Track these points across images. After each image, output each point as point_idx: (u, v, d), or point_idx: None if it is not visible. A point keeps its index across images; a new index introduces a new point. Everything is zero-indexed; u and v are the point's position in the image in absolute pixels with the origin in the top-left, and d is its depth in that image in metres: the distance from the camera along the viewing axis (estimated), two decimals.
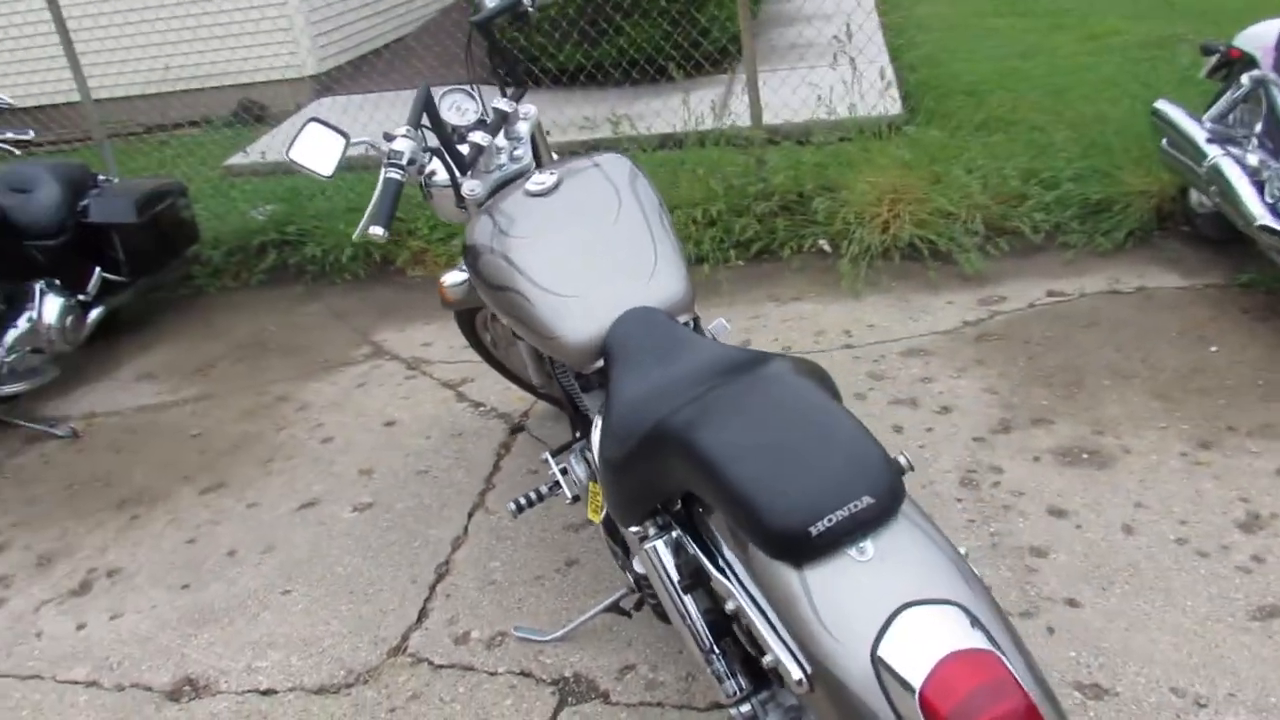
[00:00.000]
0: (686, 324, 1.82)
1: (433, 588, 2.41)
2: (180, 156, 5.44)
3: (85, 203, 3.76)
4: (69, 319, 3.55)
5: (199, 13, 6.01)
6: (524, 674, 2.11)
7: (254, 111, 6.34)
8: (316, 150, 1.89)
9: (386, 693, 2.11)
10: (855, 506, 1.14)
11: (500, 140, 2.19)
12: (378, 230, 1.82)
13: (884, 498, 1.16)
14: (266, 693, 2.15)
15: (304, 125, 1.91)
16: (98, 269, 3.74)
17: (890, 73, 5.32)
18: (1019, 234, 3.79)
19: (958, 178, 4.02)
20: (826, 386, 1.41)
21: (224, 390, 3.57)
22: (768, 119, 4.38)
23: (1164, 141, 3.44)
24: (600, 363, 1.75)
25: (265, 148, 5.41)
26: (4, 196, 3.51)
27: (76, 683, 2.25)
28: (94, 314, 3.76)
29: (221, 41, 6.01)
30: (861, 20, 5.09)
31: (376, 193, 1.85)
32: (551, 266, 1.85)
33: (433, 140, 2.08)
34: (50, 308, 3.49)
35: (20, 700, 2.22)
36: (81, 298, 3.68)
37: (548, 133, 4.86)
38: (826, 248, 3.99)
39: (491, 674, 2.12)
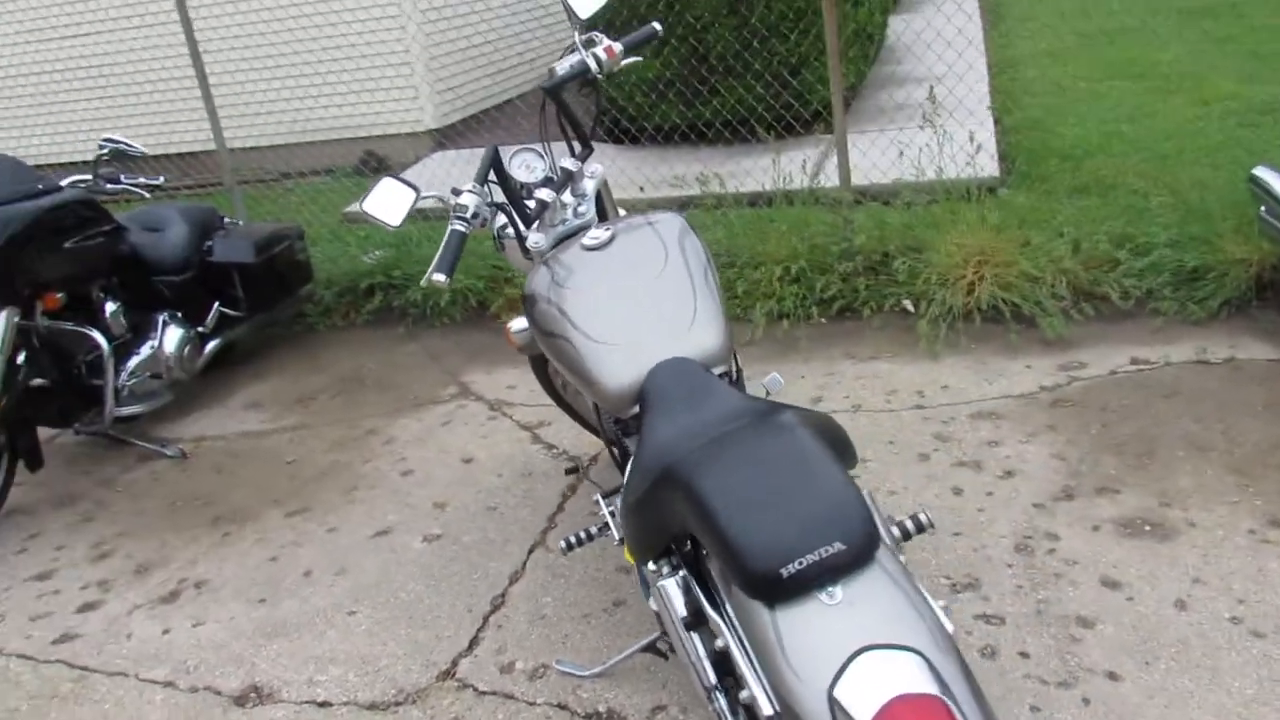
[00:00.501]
0: (723, 375, 1.90)
1: (486, 618, 2.52)
2: (304, 204, 5.83)
3: (210, 243, 4.08)
4: (187, 349, 3.85)
5: (327, 71, 6.45)
6: (560, 706, 2.19)
7: (372, 163, 6.74)
8: (388, 203, 2.06)
9: (431, 714, 2.22)
10: (826, 551, 1.20)
11: (566, 197, 2.32)
12: (440, 277, 1.97)
13: (856, 545, 1.21)
14: (323, 704, 2.29)
15: (378, 180, 2.09)
16: (216, 304, 4.04)
17: (990, 135, 5.32)
18: (1107, 299, 3.73)
19: (1047, 241, 3.99)
20: (829, 439, 1.46)
21: (321, 421, 3.80)
22: (862, 180, 4.44)
23: (1261, 209, 3.36)
24: (636, 409, 1.85)
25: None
26: (137, 235, 3.85)
27: (155, 682, 2.44)
28: (211, 345, 4.06)
29: (344, 98, 6.44)
30: (970, 84, 5.13)
31: (443, 243, 2.01)
32: (598, 316, 1.96)
33: (501, 196, 2.23)
34: (171, 338, 3.79)
35: (105, 694, 2.42)
36: (200, 330, 3.99)
37: (640, 189, 5.06)
38: (909, 307, 4.00)
39: (530, 704, 2.21)
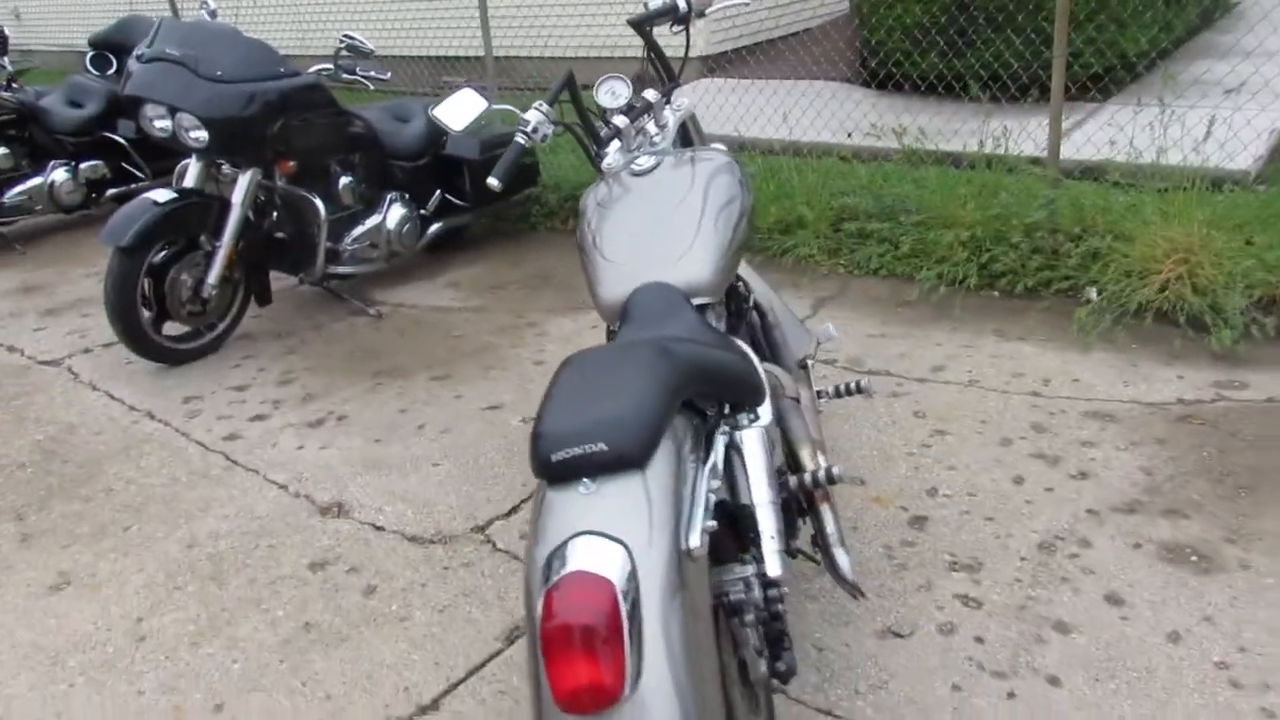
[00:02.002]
0: (702, 306, 2.04)
1: (534, 493, 2.85)
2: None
3: (445, 138, 4.62)
4: (406, 227, 4.44)
5: None
6: None
7: (645, 81, 7.08)
8: (459, 110, 2.35)
9: (450, 554, 2.60)
10: (590, 448, 1.37)
11: (651, 126, 2.51)
12: (493, 181, 2.25)
13: (616, 449, 1.36)
14: (378, 528, 2.74)
15: (459, 89, 2.39)
16: (439, 191, 4.60)
17: (1272, 124, 4.71)
18: None
19: (1269, 249, 3.57)
20: (709, 370, 1.61)
21: (498, 308, 4.27)
22: (1121, 155, 4.14)
23: None
24: (619, 324, 2.05)
25: None
26: (384, 123, 4.46)
27: (274, 483, 3.01)
28: (433, 228, 4.63)
29: (616, 20, 6.79)
30: None
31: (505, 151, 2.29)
32: (612, 235, 2.16)
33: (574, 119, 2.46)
34: (394, 215, 4.39)
35: (237, 483, 3.02)
36: (423, 213, 4.57)
37: (849, 135, 4.99)
38: (1093, 295, 3.75)
39: None
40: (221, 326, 3.96)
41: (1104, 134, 4.41)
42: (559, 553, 1.31)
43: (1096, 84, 5.51)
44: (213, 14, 4.06)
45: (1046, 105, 5.01)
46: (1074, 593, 2.28)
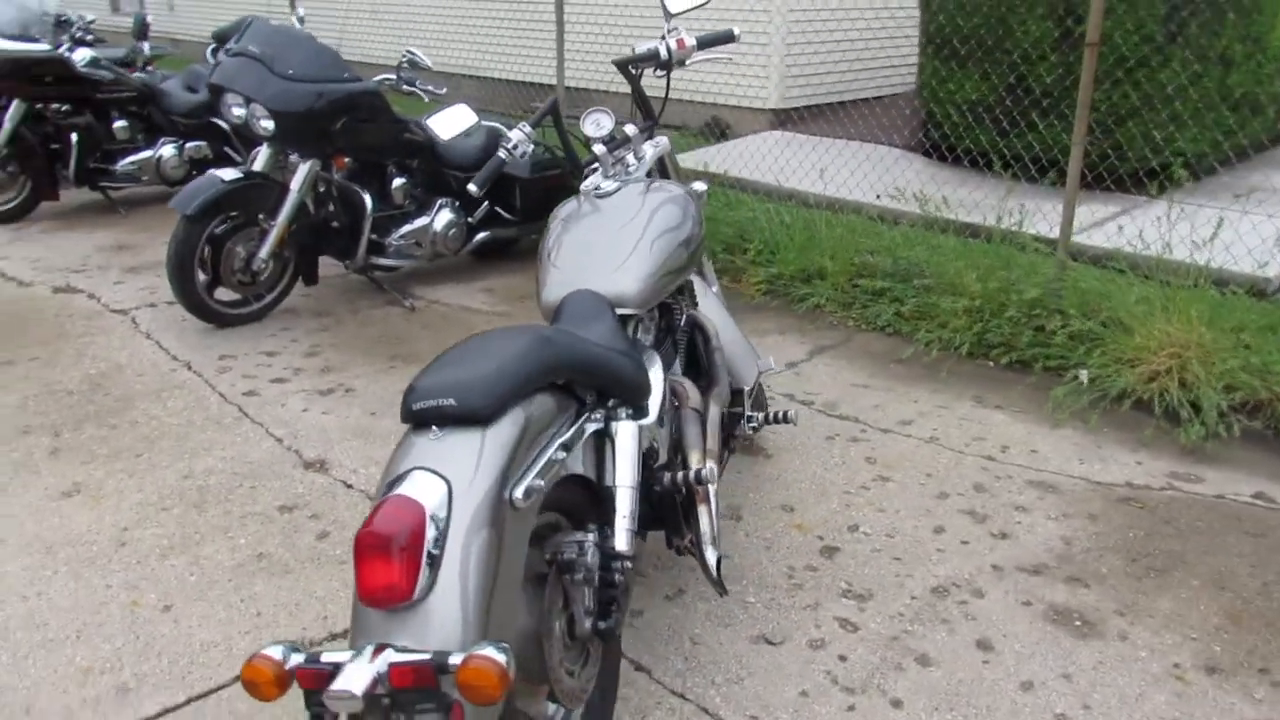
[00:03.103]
0: (626, 317, 2.28)
1: None
2: None
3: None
4: (451, 232, 4.78)
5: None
6: None
7: (720, 127, 7.38)
8: (451, 121, 2.66)
9: None
10: (443, 402, 1.62)
11: (630, 158, 2.77)
12: (472, 187, 2.55)
13: (464, 405, 1.61)
14: (348, 485, 3.04)
15: (454, 104, 2.70)
16: (487, 202, 4.94)
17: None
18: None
19: (1266, 356, 3.62)
20: (589, 362, 1.86)
21: (520, 314, 4.57)
22: (1129, 246, 4.23)
23: None
24: (552, 322, 2.30)
25: (709, 159, 6.36)
26: None
27: (272, 435, 3.34)
28: (478, 237, 4.97)
29: (701, 65, 7.12)
30: None
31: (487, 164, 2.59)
32: (563, 245, 2.42)
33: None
34: (441, 219, 4.74)
35: (243, 432, 3.37)
36: (470, 221, 4.91)
37: (877, 196, 5.15)
38: (1083, 377, 3.84)
39: None
40: (269, 298, 4.36)
41: (1133, 225, 4.48)
42: (396, 481, 1.57)
43: (1152, 179, 5.55)
44: (301, 20, 4.51)
45: (1087, 190, 5.12)
46: (949, 633, 2.41)
